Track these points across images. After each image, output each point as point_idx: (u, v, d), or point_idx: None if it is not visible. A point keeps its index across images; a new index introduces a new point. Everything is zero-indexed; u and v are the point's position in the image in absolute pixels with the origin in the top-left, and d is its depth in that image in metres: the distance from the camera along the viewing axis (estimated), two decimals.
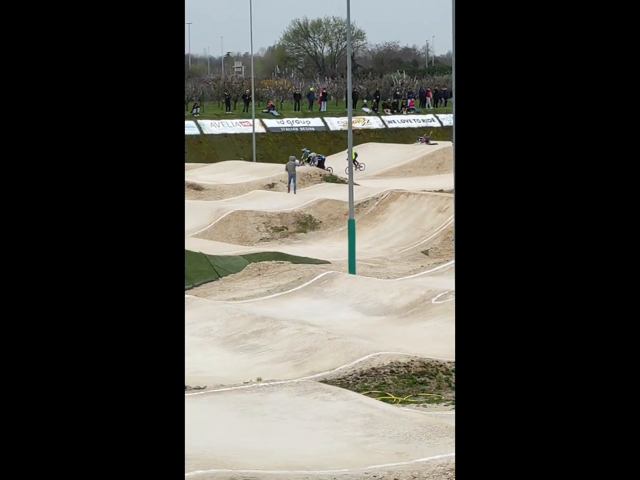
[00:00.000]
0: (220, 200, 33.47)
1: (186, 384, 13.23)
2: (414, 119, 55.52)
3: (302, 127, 53.97)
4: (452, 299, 17.03)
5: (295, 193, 33.84)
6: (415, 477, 8.73)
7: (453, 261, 16.32)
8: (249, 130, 50.23)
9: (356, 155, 41.62)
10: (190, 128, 51.26)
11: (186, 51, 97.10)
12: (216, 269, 22.33)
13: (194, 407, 11.86)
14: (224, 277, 22.09)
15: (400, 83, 62.44)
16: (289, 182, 34.65)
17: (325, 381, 13.38)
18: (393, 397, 12.98)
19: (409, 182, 37.38)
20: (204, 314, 17.61)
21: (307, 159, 44.74)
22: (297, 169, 35.53)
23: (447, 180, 31.95)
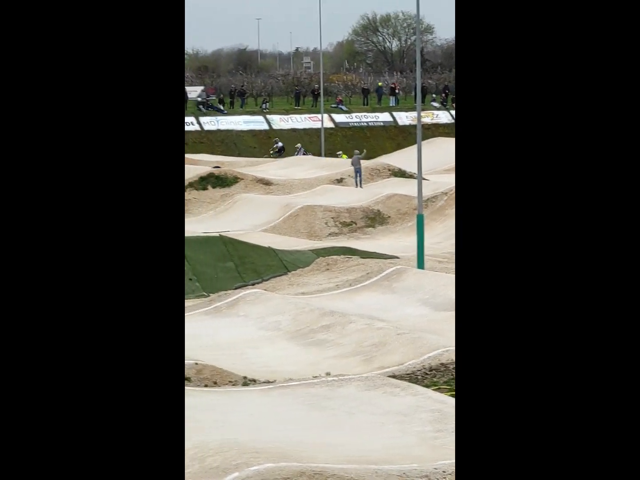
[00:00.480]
0: (289, 195, 33.54)
1: (255, 377, 13.31)
2: None
3: (370, 122, 53.92)
4: None
5: (361, 187, 33.80)
6: None
7: None
8: (318, 125, 50.29)
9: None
10: (259, 123, 51.52)
11: (255, 46, 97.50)
12: (285, 263, 22.41)
13: (263, 401, 11.92)
14: (292, 272, 22.15)
15: None
16: (356, 177, 34.62)
17: (394, 376, 13.35)
18: None
19: None
20: (273, 309, 17.68)
21: (276, 149, 46.00)
22: (363, 163, 35.46)
23: None
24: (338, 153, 45.40)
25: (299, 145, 46.90)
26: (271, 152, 47.57)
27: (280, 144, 47.89)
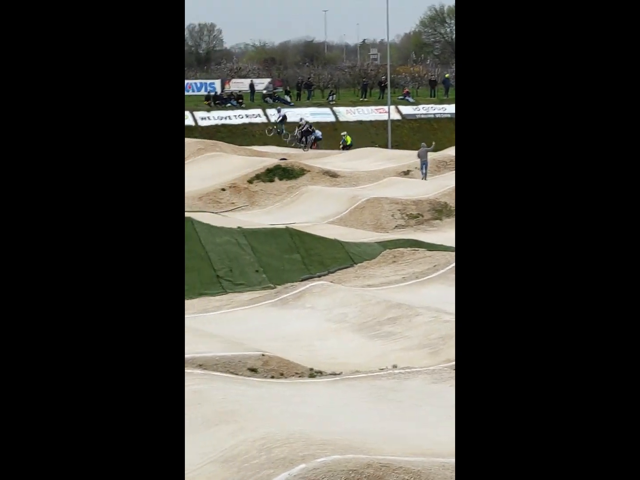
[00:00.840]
0: (356, 187, 33.51)
1: (322, 369, 13.32)
2: None
3: (437, 113, 53.68)
4: None
5: (425, 179, 33.67)
6: None
7: None
8: (385, 117, 50.20)
9: (350, 146, 42.41)
10: (326, 115, 51.59)
11: (322, 38, 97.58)
12: (351, 255, 22.40)
13: (329, 393, 11.93)
14: (359, 264, 22.14)
15: None
16: (422, 169, 34.49)
17: None
18: None
19: None
20: (339, 301, 17.68)
21: (279, 119, 45.65)
22: (430, 155, 35.30)
23: None
24: (343, 134, 45.33)
25: (302, 120, 46.01)
26: (274, 124, 47.12)
27: (282, 113, 47.50)
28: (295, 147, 42.84)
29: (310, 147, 42.46)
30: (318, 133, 43.45)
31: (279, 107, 48.10)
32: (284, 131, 45.43)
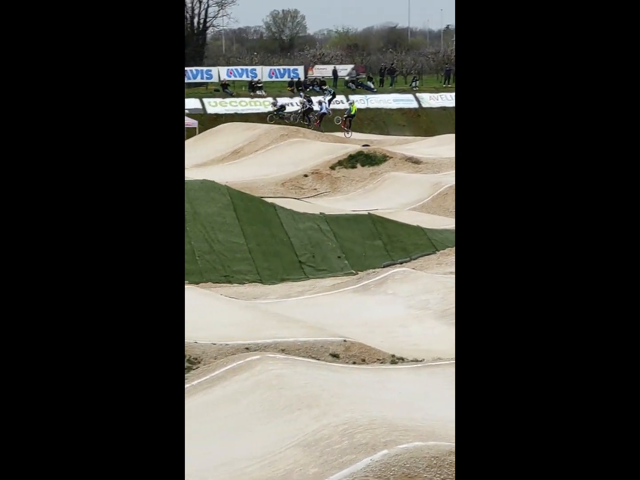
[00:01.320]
0: (438, 173, 33.35)
1: (403, 356, 13.31)
2: None
3: None
4: None
5: None
6: None
7: None
8: None
9: (353, 115, 41.66)
10: (409, 102, 51.36)
11: (405, 24, 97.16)
12: (434, 242, 22.33)
13: (411, 379, 11.93)
14: (441, 251, 22.06)
15: None
16: None
17: None
18: None
19: None
20: (422, 287, 17.65)
21: (277, 107, 45.22)
22: None
23: None
24: (349, 102, 45.01)
25: (302, 94, 45.28)
26: (274, 112, 46.62)
27: (280, 102, 47.15)
28: (300, 125, 42.71)
29: (316, 125, 42.22)
30: (324, 109, 43.05)
31: (275, 99, 47.92)
32: (284, 116, 45.44)
